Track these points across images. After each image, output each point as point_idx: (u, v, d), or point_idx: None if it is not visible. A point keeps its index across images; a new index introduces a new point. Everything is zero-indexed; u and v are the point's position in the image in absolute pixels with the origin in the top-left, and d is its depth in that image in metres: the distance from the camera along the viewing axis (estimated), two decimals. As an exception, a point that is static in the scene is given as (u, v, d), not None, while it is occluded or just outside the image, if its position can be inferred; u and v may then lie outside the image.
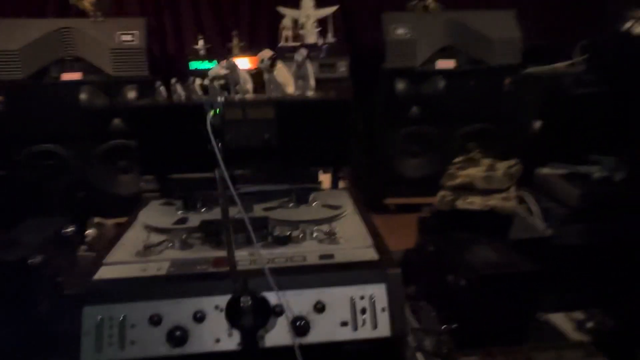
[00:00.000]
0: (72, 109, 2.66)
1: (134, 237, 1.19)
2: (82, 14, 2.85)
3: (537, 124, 2.60)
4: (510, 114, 2.80)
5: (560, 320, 1.56)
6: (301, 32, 2.92)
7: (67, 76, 2.74)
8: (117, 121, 2.76)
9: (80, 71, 2.76)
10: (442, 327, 1.42)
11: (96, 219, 2.30)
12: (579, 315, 1.55)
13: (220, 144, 0.82)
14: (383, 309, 0.95)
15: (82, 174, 2.77)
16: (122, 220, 2.46)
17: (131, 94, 2.74)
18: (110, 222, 2.33)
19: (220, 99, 0.84)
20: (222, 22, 3.39)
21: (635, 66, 2.06)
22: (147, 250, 1.08)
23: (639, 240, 1.56)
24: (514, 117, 2.79)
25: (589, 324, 1.50)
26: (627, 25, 2.26)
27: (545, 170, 2.04)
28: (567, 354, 1.33)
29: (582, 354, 1.32)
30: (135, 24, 2.82)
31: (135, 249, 1.10)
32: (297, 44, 2.91)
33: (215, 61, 2.92)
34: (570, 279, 1.63)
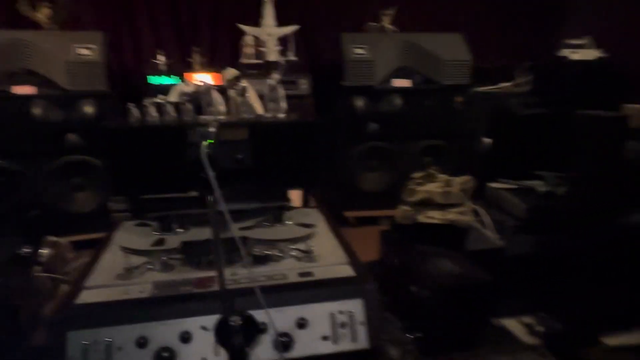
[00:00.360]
0: (25, 123, 2.56)
1: (112, 259, 1.19)
2: (35, 25, 2.77)
3: (487, 141, 2.78)
4: (462, 131, 2.98)
5: (512, 325, 1.69)
6: (262, 49, 2.97)
7: (19, 90, 2.64)
8: (72, 136, 2.68)
9: (32, 85, 2.66)
10: (412, 337, 1.50)
11: (51, 238, 2.22)
12: (529, 319, 1.69)
13: (213, 172, 0.86)
14: (361, 323, 1.02)
15: (35, 191, 2.66)
16: (78, 238, 2.42)
17: (88, 109, 2.67)
18: (65, 240, 2.26)
19: (212, 129, 0.88)
20: (181, 37, 3.37)
21: (572, 89, 2.28)
22: (128, 272, 1.09)
23: (580, 249, 1.71)
24: (464, 134, 2.97)
25: (539, 328, 1.63)
26: (565, 52, 2.50)
27: (495, 185, 2.20)
28: (521, 356, 1.45)
29: (535, 355, 1.45)
30: (93, 38, 2.76)
31: (115, 272, 1.11)
32: (259, 61, 2.96)
33: (174, 76, 2.90)
34: (521, 286, 1.77)
